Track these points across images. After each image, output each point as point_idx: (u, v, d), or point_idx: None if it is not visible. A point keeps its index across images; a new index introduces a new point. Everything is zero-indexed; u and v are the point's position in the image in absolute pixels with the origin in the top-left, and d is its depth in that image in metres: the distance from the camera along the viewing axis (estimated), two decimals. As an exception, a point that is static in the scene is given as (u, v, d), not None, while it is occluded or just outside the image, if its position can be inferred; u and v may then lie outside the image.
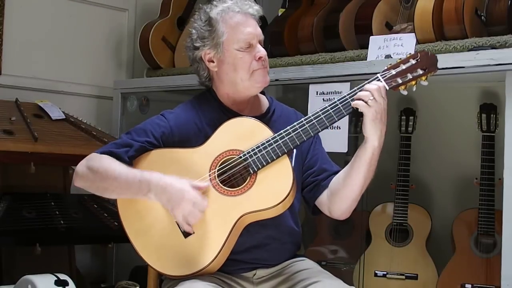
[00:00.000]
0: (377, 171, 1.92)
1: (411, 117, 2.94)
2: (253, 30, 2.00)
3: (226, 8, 2.00)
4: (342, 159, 2.44)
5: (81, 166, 1.97)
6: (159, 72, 3.56)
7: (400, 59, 1.90)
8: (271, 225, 1.97)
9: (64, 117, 3.13)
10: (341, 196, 1.95)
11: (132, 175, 1.89)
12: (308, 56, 2.87)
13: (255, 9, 2.04)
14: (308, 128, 1.88)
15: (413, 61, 1.88)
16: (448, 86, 2.94)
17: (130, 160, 1.97)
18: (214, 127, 1.98)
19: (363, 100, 1.83)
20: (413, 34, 2.55)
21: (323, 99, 2.69)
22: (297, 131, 1.88)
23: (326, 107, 1.87)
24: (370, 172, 1.90)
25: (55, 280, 2.44)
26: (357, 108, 1.84)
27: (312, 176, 2.04)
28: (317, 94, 2.70)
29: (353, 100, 1.85)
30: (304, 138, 1.88)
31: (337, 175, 2.00)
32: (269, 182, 1.88)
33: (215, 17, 2.00)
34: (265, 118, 2.05)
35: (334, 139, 2.58)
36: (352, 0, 2.93)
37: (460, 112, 3.02)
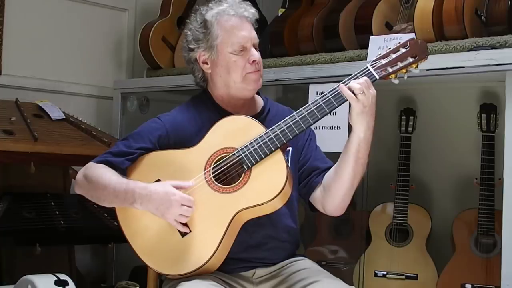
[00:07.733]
0: (377, 171, 1.91)
1: (411, 117, 2.93)
2: (247, 34, 2.01)
3: (222, 11, 2.01)
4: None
5: (80, 175, 2.02)
6: (159, 72, 3.56)
7: (390, 48, 1.90)
8: (268, 224, 1.97)
9: (64, 117, 3.13)
10: (332, 191, 1.95)
11: (119, 185, 1.91)
12: (308, 56, 2.87)
13: (251, 12, 2.04)
14: (300, 121, 1.88)
15: (403, 50, 1.88)
16: (448, 86, 2.93)
17: (126, 169, 1.99)
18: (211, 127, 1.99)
19: (353, 92, 1.82)
20: (413, 34, 2.54)
21: (323, 99, 2.68)
22: (288, 125, 1.89)
23: (317, 100, 1.88)
24: (359, 165, 1.89)
25: (55, 280, 2.44)
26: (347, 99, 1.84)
27: (305, 172, 2.05)
28: (317, 94, 2.70)
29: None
30: (297, 131, 1.88)
31: (329, 170, 2.00)
32: (264, 177, 1.89)
33: (210, 20, 2.01)
34: (260, 117, 2.06)
35: (334, 139, 2.58)
36: (352, 0, 2.93)
37: (460, 112, 3.01)
